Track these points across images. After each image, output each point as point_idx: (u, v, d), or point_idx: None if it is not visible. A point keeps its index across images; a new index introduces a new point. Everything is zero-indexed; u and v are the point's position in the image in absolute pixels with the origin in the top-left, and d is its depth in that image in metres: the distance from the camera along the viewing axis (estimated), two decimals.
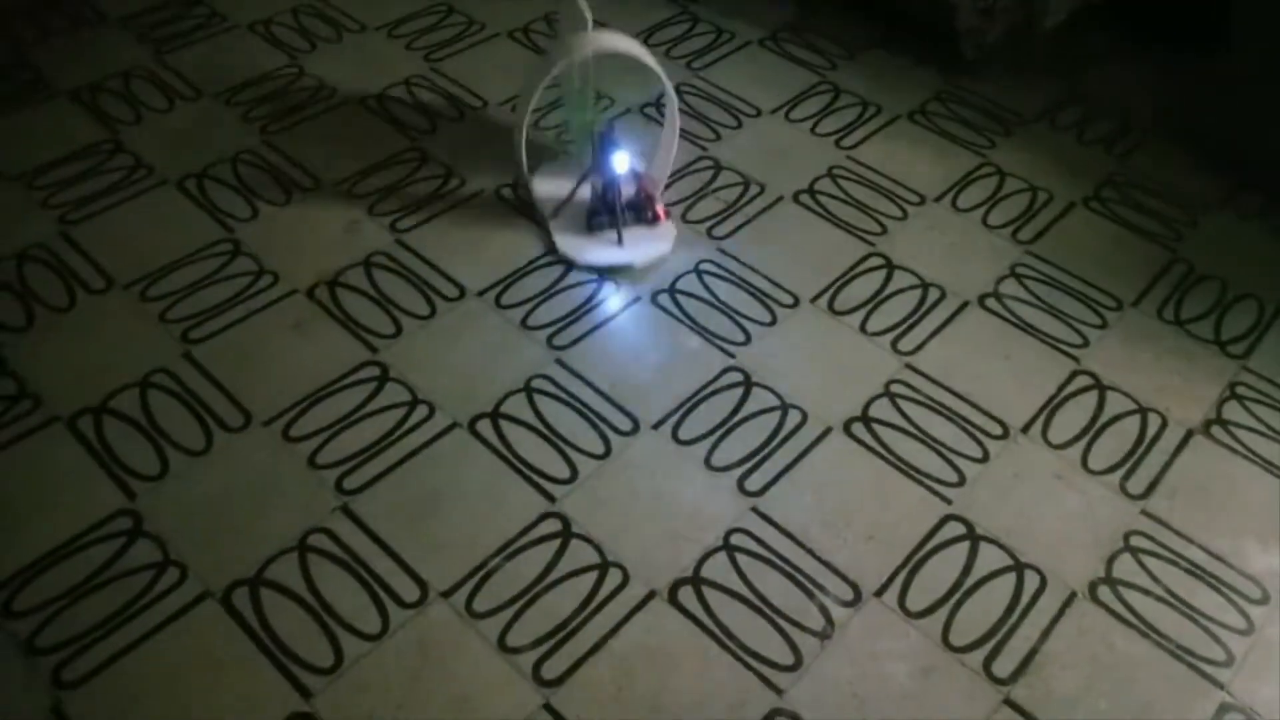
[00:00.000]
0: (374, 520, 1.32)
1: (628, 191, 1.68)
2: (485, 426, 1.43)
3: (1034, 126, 2.00)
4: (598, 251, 1.66)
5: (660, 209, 1.69)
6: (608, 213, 1.67)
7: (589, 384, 1.49)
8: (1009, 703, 1.20)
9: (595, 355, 1.54)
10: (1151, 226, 1.82)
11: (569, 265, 1.65)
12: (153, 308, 1.55)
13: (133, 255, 1.63)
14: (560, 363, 1.51)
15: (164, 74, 1.97)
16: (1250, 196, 1.88)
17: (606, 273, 1.65)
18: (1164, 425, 1.50)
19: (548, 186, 1.74)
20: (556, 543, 1.31)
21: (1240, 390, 1.56)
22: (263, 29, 2.10)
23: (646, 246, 1.67)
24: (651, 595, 1.26)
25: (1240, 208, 1.86)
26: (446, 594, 1.25)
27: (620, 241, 1.66)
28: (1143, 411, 1.52)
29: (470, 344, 1.54)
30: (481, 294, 1.61)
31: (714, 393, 1.49)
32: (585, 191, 1.69)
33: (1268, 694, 1.22)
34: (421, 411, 1.44)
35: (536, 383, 1.49)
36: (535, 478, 1.37)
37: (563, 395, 1.47)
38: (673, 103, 1.63)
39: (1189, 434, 1.50)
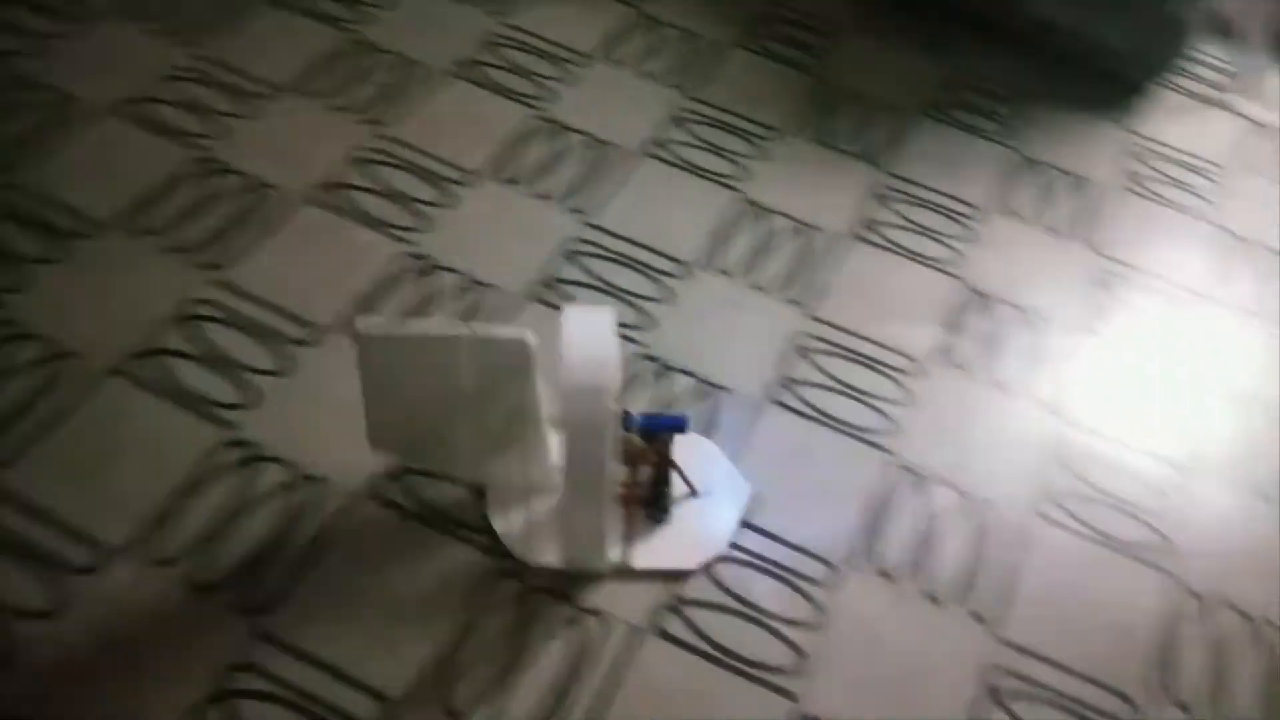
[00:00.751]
0: (26, 490, 1.19)
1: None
2: (142, 367, 1.32)
3: None
4: (702, 529, 1.26)
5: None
6: (663, 486, 1.25)
7: (253, 297, 1.40)
8: None
9: (259, 258, 1.44)
10: (799, 57, 1.91)
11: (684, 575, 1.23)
12: None
13: None
14: (221, 284, 1.40)
15: None
16: (885, 19, 2.01)
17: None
18: (822, 236, 1.62)
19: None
20: (242, 470, 1.24)
21: (883, 193, 1.70)
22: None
23: (711, 461, 1.31)
24: (354, 497, 1.23)
25: (875, 31, 1.99)
26: (124, 549, 1.16)
27: (696, 492, 1.28)
28: (802, 227, 1.63)
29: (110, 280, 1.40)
30: (115, 220, 1.46)
31: (395, 288, 1.44)
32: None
33: (921, 446, 1.38)
34: (67, 364, 1.31)
35: (194, 309, 1.38)
36: (208, 409, 1.29)
37: (225, 317, 1.38)
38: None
39: (844, 239, 1.62)
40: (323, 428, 1.28)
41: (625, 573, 1.22)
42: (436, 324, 1.17)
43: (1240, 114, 2.02)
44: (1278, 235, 1.79)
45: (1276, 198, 1.87)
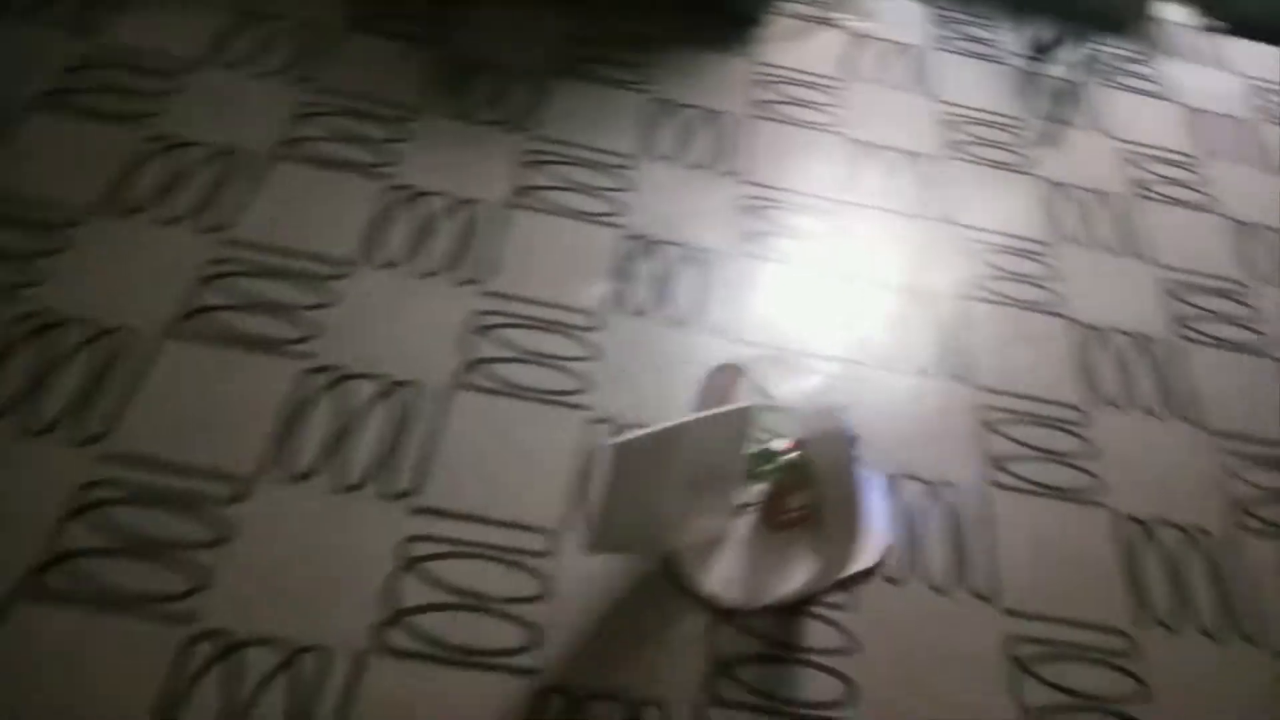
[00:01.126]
0: None
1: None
2: None
3: None
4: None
5: None
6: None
7: None
8: (419, 510, 1.23)
9: None
10: (420, 31, 1.85)
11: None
12: None
13: None
14: None
15: None
16: None
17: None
18: (481, 209, 1.59)
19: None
20: None
21: (532, 157, 1.69)
22: None
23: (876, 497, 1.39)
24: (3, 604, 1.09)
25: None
26: None
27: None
28: (459, 204, 1.59)
29: None
30: None
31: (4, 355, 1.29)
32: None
33: (622, 402, 1.40)
34: None
35: None
36: None
37: None
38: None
39: (503, 209, 1.60)
40: None
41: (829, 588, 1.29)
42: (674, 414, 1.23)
43: (843, 29, 2.20)
44: (891, 134, 1.97)
45: (884, 99, 2.06)
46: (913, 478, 1.41)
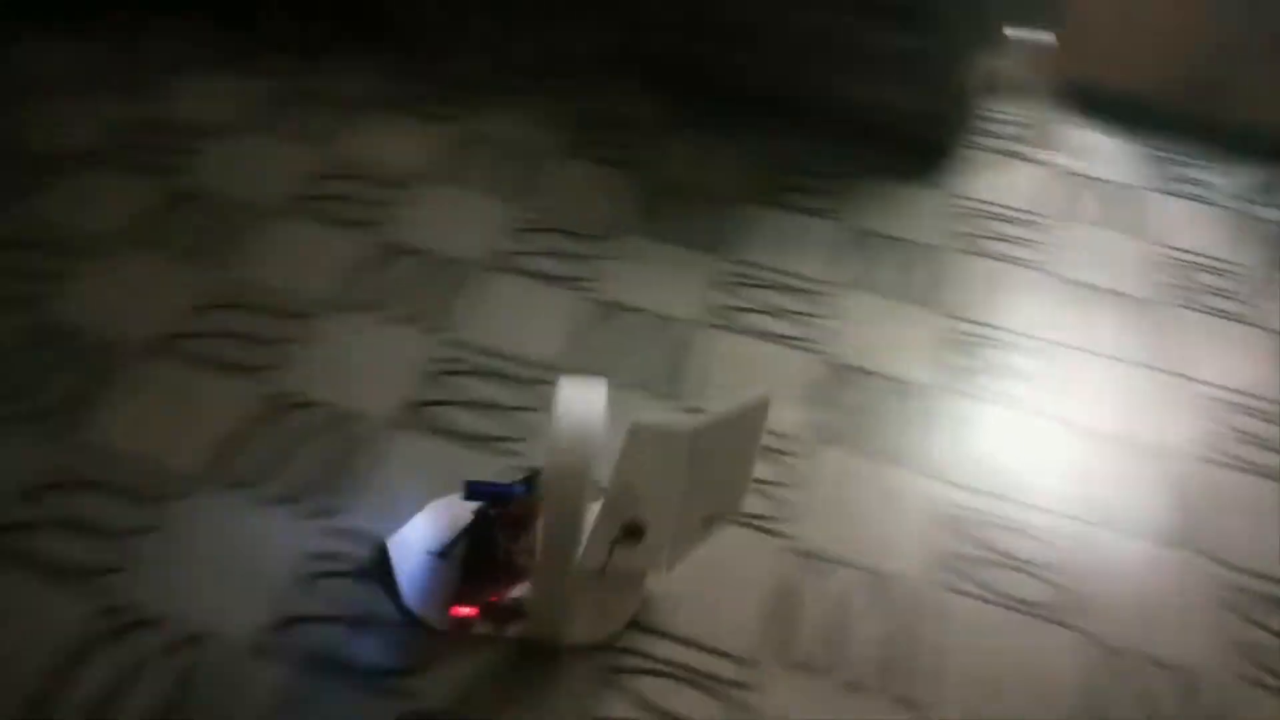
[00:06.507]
0: None
1: None
2: None
3: None
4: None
5: None
6: None
7: (109, 455, 1.34)
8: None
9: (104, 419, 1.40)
10: (626, 158, 2.03)
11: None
12: None
13: None
14: (77, 448, 1.34)
15: None
16: (700, 117, 2.18)
17: None
18: (679, 327, 1.68)
19: None
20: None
21: (729, 280, 1.78)
22: None
23: None
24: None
25: (694, 126, 2.16)
26: None
27: None
28: (660, 321, 1.69)
29: None
30: None
31: (259, 430, 1.41)
32: None
33: (815, 527, 1.40)
34: None
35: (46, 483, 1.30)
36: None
37: (82, 481, 1.31)
38: None
39: (701, 328, 1.69)
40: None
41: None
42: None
43: (1041, 164, 2.23)
44: (1105, 275, 1.96)
45: (1094, 237, 2.05)
46: (1154, 661, 1.30)
